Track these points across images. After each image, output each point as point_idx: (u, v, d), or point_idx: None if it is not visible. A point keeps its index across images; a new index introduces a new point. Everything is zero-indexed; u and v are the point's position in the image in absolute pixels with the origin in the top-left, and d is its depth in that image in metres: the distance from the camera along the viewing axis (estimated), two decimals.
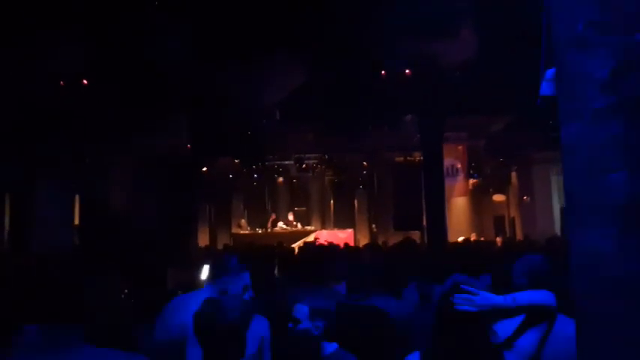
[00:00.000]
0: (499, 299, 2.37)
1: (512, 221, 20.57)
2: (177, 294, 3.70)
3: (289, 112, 14.34)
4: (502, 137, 17.44)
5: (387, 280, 4.07)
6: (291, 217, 19.22)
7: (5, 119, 11.39)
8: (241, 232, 18.68)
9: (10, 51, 9.86)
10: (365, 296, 3.61)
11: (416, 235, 14.17)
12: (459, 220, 17.36)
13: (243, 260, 3.27)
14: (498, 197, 21.24)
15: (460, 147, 17.59)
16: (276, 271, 5.47)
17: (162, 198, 12.87)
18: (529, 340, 2.42)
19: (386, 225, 17.97)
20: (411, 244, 7.17)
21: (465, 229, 16.72)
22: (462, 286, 2.34)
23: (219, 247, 15.24)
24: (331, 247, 7.18)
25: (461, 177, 17.70)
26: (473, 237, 15.79)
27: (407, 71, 12.51)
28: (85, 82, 11.90)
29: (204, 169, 17.82)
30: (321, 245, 8.27)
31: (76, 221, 14.97)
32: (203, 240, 17.54)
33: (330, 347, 2.81)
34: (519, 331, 2.45)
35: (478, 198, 20.15)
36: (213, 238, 18.78)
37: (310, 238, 15.88)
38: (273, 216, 19.24)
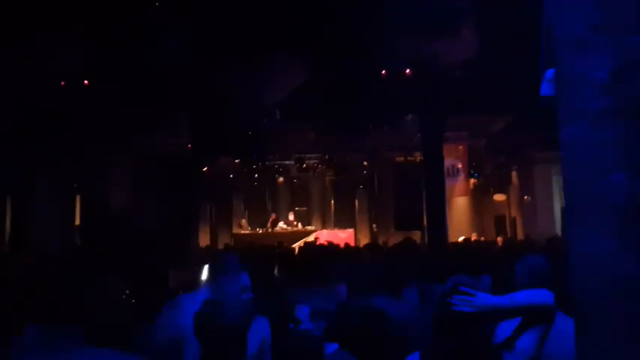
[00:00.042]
0: (497, 300, 2.37)
1: (513, 221, 20.56)
2: (178, 294, 3.70)
3: (289, 111, 14.34)
4: (503, 137, 17.44)
5: (387, 280, 4.06)
6: (291, 216, 19.22)
7: (5, 119, 11.40)
8: (242, 232, 18.69)
9: (10, 51, 9.86)
10: (365, 296, 3.61)
11: (416, 235, 14.16)
12: (460, 219, 17.35)
13: (244, 260, 3.27)
14: (499, 197, 21.23)
15: (461, 147, 17.59)
16: (276, 271, 5.47)
17: (163, 198, 12.87)
18: (528, 340, 2.42)
19: (386, 225, 17.97)
20: (411, 244, 7.17)
21: (465, 229, 16.72)
22: (460, 287, 2.34)
23: (220, 247, 15.25)
24: (331, 247, 7.19)
25: (461, 177, 17.70)
26: (473, 237, 15.79)
27: (407, 71, 12.51)
28: (85, 82, 11.90)
29: (205, 168, 17.82)
30: (322, 245, 8.27)
31: (77, 221, 14.99)
32: (204, 240, 17.55)
33: (331, 348, 2.81)
34: (519, 331, 2.45)
35: (479, 198, 20.14)
36: (214, 238, 18.78)
37: (311, 238, 15.89)
38: (273, 216, 19.24)
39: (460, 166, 17.59)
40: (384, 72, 12.60)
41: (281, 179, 20.73)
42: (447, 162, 15.62)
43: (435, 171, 12.97)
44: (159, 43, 9.75)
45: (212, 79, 11.51)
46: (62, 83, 11.85)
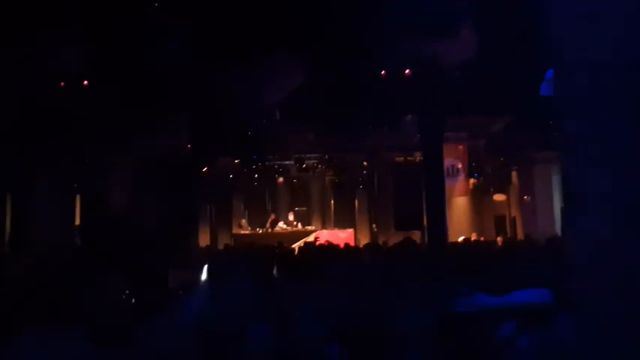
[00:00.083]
0: (497, 300, 2.37)
1: (513, 221, 20.56)
2: (179, 294, 3.69)
3: (289, 112, 14.34)
4: (502, 137, 17.43)
5: (387, 280, 4.06)
6: (291, 217, 19.21)
7: (5, 119, 11.40)
8: (242, 232, 18.67)
9: (10, 51, 9.86)
10: (365, 296, 3.61)
11: (416, 235, 14.16)
12: (460, 219, 17.34)
13: (244, 260, 3.27)
14: (499, 197, 21.22)
15: (460, 147, 17.58)
16: (275, 271, 5.47)
17: (163, 198, 12.87)
18: (529, 339, 2.42)
19: (386, 225, 17.96)
20: (411, 244, 7.17)
21: (465, 229, 16.71)
22: (460, 289, 2.34)
23: (220, 247, 15.23)
24: (331, 247, 7.19)
25: (461, 177, 17.69)
26: (473, 237, 15.77)
27: (407, 71, 12.51)
28: (85, 82, 11.90)
29: (205, 169, 17.81)
30: (322, 245, 8.27)
31: (77, 221, 14.99)
32: (204, 240, 17.53)
33: (331, 348, 2.80)
34: (519, 330, 2.45)
35: (479, 198, 20.13)
36: (213, 238, 18.77)
37: (311, 238, 15.88)
38: (273, 216, 19.23)
39: (460, 166, 17.57)
40: (383, 72, 12.61)
41: (281, 179, 20.73)
42: (447, 162, 15.61)
43: (434, 171, 12.97)
44: (158, 43, 9.75)
45: (212, 80, 11.51)
46: (62, 83, 11.86)
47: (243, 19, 10.01)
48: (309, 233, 17.48)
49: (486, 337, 2.31)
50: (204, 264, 4.40)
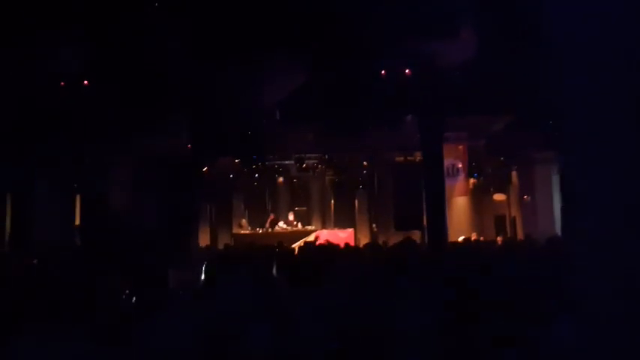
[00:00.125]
0: None
1: (513, 221, 20.55)
2: (179, 294, 3.69)
3: (289, 112, 14.34)
4: (502, 137, 17.42)
5: (387, 279, 4.06)
6: (291, 216, 19.20)
7: (5, 119, 11.40)
8: (242, 231, 18.66)
9: (10, 51, 9.86)
10: (365, 296, 3.61)
11: (416, 234, 14.16)
12: (460, 219, 17.33)
13: (244, 260, 3.27)
14: (499, 197, 21.21)
15: (460, 147, 17.57)
16: (274, 271, 5.47)
17: (163, 198, 12.87)
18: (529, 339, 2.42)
19: (386, 225, 17.95)
20: (411, 244, 7.16)
21: (465, 229, 16.70)
22: None
23: (220, 247, 15.23)
24: (331, 246, 7.18)
25: (461, 177, 17.68)
26: (473, 237, 15.76)
27: (407, 71, 12.52)
28: (85, 82, 11.90)
29: (205, 169, 17.81)
30: (322, 245, 8.27)
31: (77, 221, 14.99)
32: (204, 240, 17.53)
33: (331, 347, 2.80)
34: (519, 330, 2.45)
35: (479, 197, 20.12)
36: (214, 238, 18.76)
37: (311, 238, 15.88)
38: (272, 216, 19.22)
39: (460, 165, 17.57)
40: (383, 72, 12.61)
41: (281, 179, 20.72)
42: (447, 162, 15.61)
43: (434, 171, 12.97)
44: (159, 43, 9.75)
45: (212, 79, 11.51)
46: (62, 83, 11.86)
47: (243, 19, 10.01)
48: (309, 233, 17.48)
49: (486, 336, 2.31)
50: (204, 264, 4.41)
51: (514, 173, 20.40)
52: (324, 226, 19.91)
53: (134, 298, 3.57)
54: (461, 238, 14.73)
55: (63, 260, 6.39)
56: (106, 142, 12.52)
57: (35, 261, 6.87)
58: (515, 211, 20.59)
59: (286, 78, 12.00)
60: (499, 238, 15.75)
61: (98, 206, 13.20)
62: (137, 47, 10.08)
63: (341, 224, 19.50)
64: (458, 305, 2.60)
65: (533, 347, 2.47)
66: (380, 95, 12.94)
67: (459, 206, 17.72)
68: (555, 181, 17.92)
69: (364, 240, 17.52)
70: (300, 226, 18.89)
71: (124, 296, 3.48)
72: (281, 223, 18.88)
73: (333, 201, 21.23)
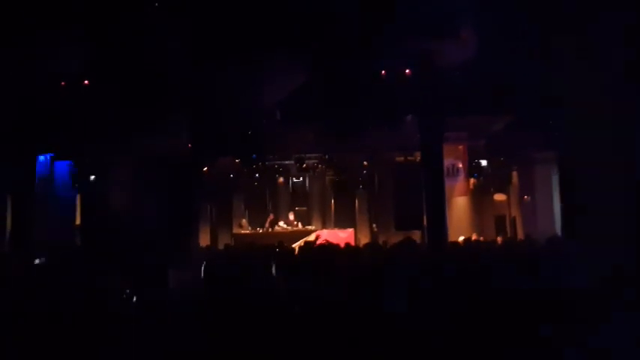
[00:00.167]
0: None
1: (513, 221, 20.54)
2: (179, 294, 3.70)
3: (289, 112, 14.34)
4: (502, 137, 17.41)
5: (387, 278, 4.06)
6: (291, 216, 19.21)
7: (5, 119, 11.41)
8: (242, 231, 18.67)
9: (10, 51, 9.87)
10: (365, 295, 3.61)
11: (417, 234, 14.15)
12: (460, 219, 17.33)
13: (244, 260, 3.27)
14: (499, 197, 21.20)
15: (461, 147, 17.57)
16: (273, 270, 5.47)
17: (163, 198, 12.87)
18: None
19: (387, 224, 17.95)
20: (411, 244, 7.17)
21: (465, 229, 16.69)
22: None
23: (220, 246, 15.24)
24: (331, 246, 7.18)
25: (461, 177, 17.67)
26: (474, 237, 15.76)
27: (407, 71, 12.52)
28: (85, 82, 11.91)
29: (205, 169, 17.81)
30: (322, 245, 8.26)
31: (77, 221, 14.99)
32: (204, 240, 17.54)
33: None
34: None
35: (479, 198, 20.11)
36: (214, 238, 18.76)
37: (311, 238, 15.88)
38: (271, 216, 19.23)
39: (460, 165, 17.57)
40: (383, 72, 12.61)
41: (281, 179, 20.73)
42: (447, 162, 15.61)
43: (435, 171, 12.98)
44: (159, 43, 9.76)
45: (212, 79, 11.52)
46: (62, 83, 11.87)
47: (243, 19, 10.01)
48: (309, 233, 17.48)
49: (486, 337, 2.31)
50: (204, 263, 4.41)
51: (514, 173, 20.40)
52: (324, 226, 19.91)
53: (134, 298, 3.57)
54: (461, 238, 14.73)
55: (63, 260, 6.40)
56: (106, 142, 12.52)
57: (37, 261, 6.88)
58: (515, 211, 20.58)
59: (286, 78, 12.00)
60: (499, 238, 15.75)
61: (98, 206, 13.21)
62: (137, 47, 10.09)
63: (341, 224, 19.50)
64: (458, 305, 2.60)
65: (534, 347, 2.47)
66: (380, 95, 12.94)
67: (459, 206, 17.72)
68: (555, 181, 17.91)
69: (364, 240, 17.52)
70: (300, 226, 18.90)
71: (124, 296, 3.48)
72: (281, 223, 18.89)
73: (333, 201, 21.23)
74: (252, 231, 18.68)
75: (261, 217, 19.84)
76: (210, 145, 15.33)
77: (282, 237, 14.80)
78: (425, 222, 13.62)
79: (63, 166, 14.95)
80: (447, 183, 15.14)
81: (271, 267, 5.46)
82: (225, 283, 3.13)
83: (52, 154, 14.39)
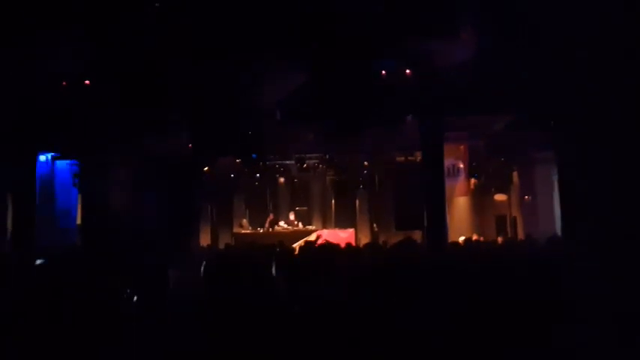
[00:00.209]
0: None
1: (514, 221, 20.54)
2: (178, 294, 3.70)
3: (289, 112, 14.34)
4: (503, 137, 17.41)
5: (387, 279, 4.06)
6: (292, 216, 19.23)
7: (6, 119, 11.42)
8: (243, 231, 18.68)
9: (10, 51, 9.88)
10: (364, 295, 3.61)
11: (417, 234, 14.15)
12: (461, 219, 17.34)
13: (244, 259, 3.27)
14: (500, 197, 21.19)
15: (461, 147, 17.57)
16: (274, 270, 5.47)
17: (163, 198, 12.88)
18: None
19: (387, 224, 17.96)
20: (412, 244, 7.16)
21: (466, 229, 16.70)
22: None
23: (221, 246, 15.25)
24: (332, 246, 7.19)
25: (462, 177, 17.68)
26: (474, 237, 15.76)
27: (407, 71, 12.52)
28: (85, 82, 11.92)
29: (205, 168, 17.82)
30: (322, 244, 8.27)
31: (78, 221, 15.01)
32: (205, 240, 17.56)
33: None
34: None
35: (479, 198, 20.11)
36: (214, 238, 18.78)
37: (312, 238, 15.88)
38: (271, 216, 19.25)
39: (461, 165, 17.57)
40: (383, 72, 12.61)
41: (282, 179, 20.74)
42: (448, 162, 15.61)
43: (435, 171, 12.98)
44: (159, 43, 9.76)
45: (212, 80, 11.52)
46: (63, 83, 11.88)
47: (243, 19, 10.02)
48: (309, 233, 17.50)
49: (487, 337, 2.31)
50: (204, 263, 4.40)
51: (515, 173, 20.40)
52: (324, 225, 19.93)
53: (134, 298, 3.58)
54: (461, 238, 14.73)
55: (64, 260, 6.40)
56: (106, 141, 12.54)
57: (38, 261, 6.87)
58: (515, 211, 20.58)
59: (286, 78, 12.01)
60: (500, 239, 15.76)
61: (98, 206, 13.21)
62: (137, 47, 10.10)
63: (342, 224, 19.52)
64: (458, 305, 2.60)
65: (534, 347, 2.47)
66: (380, 95, 12.94)
67: (459, 206, 17.73)
68: (556, 180, 17.91)
69: (365, 240, 17.54)
70: (300, 225, 18.92)
71: (124, 296, 3.48)
72: (282, 223, 18.91)
73: (333, 201, 21.24)
74: (253, 231, 18.69)
75: (261, 216, 19.86)
76: (210, 145, 15.34)
77: (283, 237, 14.82)
78: (425, 222, 13.62)
79: (64, 166, 14.98)
80: (448, 183, 15.14)
81: (271, 267, 5.46)
82: (225, 282, 3.13)
83: (53, 154, 14.45)
